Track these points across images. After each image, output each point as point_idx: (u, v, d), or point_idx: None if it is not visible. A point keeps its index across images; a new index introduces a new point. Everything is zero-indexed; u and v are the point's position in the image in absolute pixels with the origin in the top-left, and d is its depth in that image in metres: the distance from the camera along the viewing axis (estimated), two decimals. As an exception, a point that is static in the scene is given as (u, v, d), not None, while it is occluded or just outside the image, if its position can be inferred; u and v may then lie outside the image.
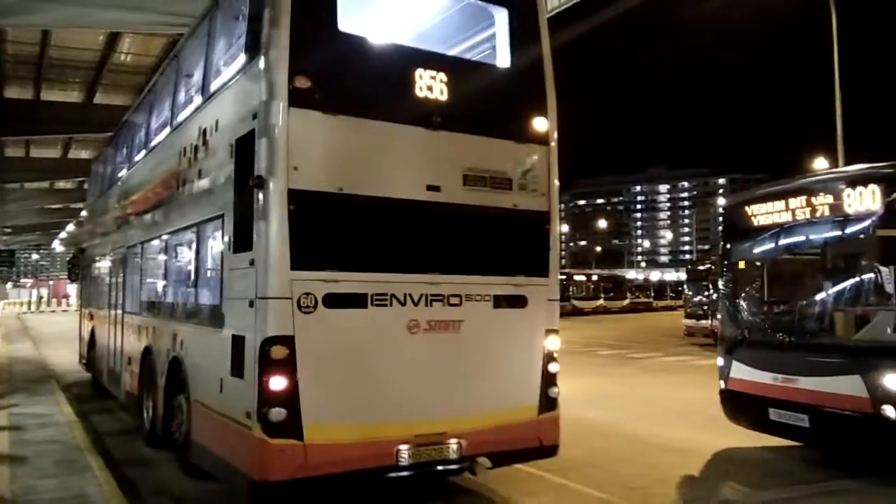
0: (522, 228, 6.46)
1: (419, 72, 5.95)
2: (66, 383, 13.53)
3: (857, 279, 7.10)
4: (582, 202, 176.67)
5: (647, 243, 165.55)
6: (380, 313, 5.61)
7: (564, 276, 52.03)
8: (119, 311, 10.65)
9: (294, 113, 5.33)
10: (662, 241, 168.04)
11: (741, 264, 8.63)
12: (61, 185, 37.72)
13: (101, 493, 6.07)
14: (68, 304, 59.33)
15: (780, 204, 7.75)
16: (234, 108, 6.12)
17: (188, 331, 7.12)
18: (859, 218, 6.89)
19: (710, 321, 22.25)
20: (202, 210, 6.85)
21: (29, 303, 63.85)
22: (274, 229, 5.23)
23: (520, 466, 7.05)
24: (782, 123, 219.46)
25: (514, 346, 6.29)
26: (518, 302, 6.31)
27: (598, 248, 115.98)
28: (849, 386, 6.69)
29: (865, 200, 6.81)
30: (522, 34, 6.67)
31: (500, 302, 6.20)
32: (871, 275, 6.86)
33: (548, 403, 6.31)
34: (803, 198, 7.46)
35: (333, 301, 5.38)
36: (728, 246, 8.64)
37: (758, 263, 8.58)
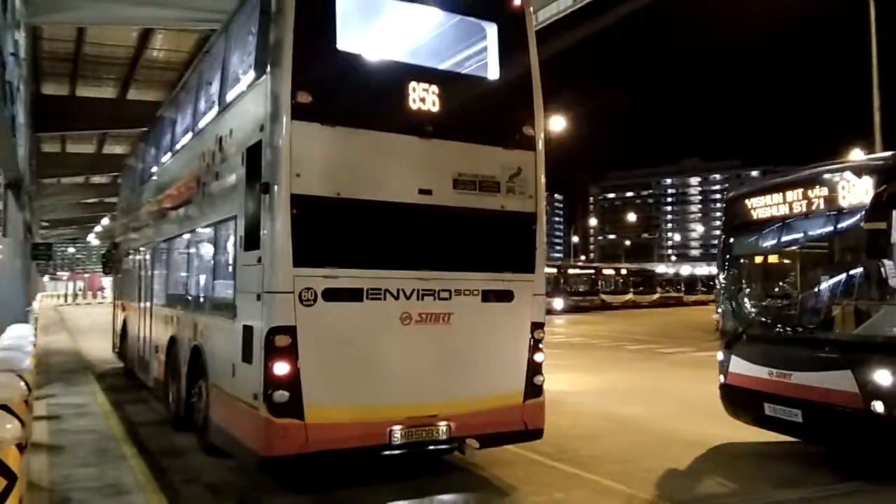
0: (509, 228, 6.88)
1: (412, 85, 6.42)
2: (101, 373, 13.83)
3: (849, 273, 6.97)
4: (611, 195, 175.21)
5: (677, 237, 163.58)
6: (374, 306, 6.09)
7: (593, 270, 51.77)
8: (147, 303, 11.30)
9: (296, 125, 5.85)
10: (693, 235, 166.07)
11: (739, 258, 8.54)
12: (96, 179, 38.32)
13: (135, 481, 6.23)
14: (103, 297, 60.54)
15: (775, 197, 7.70)
16: (245, 120, 6.64)
17: (207, 321, 7.68)
18: (849, 211, 6.80)
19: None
20: (219, 211, 7.42)
21: (65, 295, 65.29)
22: (278, 230, 5.77)
23: (550, 462, 7.20)
24: (816, 114, 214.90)
25: (500, 337, 6.73)
26: (505, 296, 6.75)
27: (628, 242, 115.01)
28: (840, 381, 6.59)
29: (854, 194, 6.73)
30: (511, 47, 7.09)
31: (488, 296, 6.65)
32: (862, 269, 6.75)
33: (533, 390, 6.75)
34: (797, 191, 7.40)
35: (332, 295, 5.89)
36: (728, 239, 8.55)
37: (756, 257, 8.50)
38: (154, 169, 12.03)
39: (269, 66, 6.04)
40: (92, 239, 59.95)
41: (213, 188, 7.72)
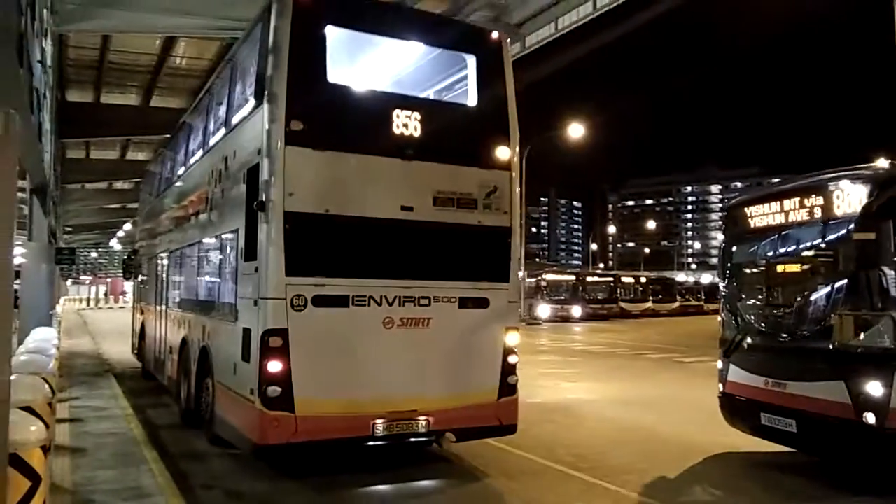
0: (486, 241, 7.51)
1: (396, 112, 7.08)
2: (122, 376, 13.97)
3: (842, 283, 6.86)
4: (631, 203, 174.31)
5: (697, 245, 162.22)
6: (359, 311, 6.73)
7: (612, 278, 51.40)
8: (163, 307, 11.92)
9: (290, 150, 6.52)
10: (714, 243, 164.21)
11: (738, 266, 8.46)
12: (119, 185, 38.77)
13: (155, 484, 6.28)
14: (125, 301, 61.17)
15: (772, 206, 7.67)
16: (246, 142, 7.28)
17: (214, 325, 8.31)
18: (842, 221, 6.76)
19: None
20: (225, 224, 8.10)
21: (88, 299, 66.03)
22: (272, 243, 6.42)
23: (570, 471, 7.25)
24: (841, 120, 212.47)
25: (476, 341, 7.31)
26: (481, 303, 7.37)
27: (647, 250, 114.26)
28: (833, 392, 6.52)
29: (848, 203, 6.71)
30: (489, 76, 7.76)
31: (466, 303, 7.27)
32: (853, 279, 6.66)
33: (507, 389, 7.34)
34: (793, 200, 7.37)
35: (320, 301, 6.52)
36: (727, 247, 8.50)
37: (753, 265, 8.43)
38: (171, 180, 12.61)
39: (266, 96, 6.65)
40: (114, 244, 60.63)
41: (220, 202, 8.39)
